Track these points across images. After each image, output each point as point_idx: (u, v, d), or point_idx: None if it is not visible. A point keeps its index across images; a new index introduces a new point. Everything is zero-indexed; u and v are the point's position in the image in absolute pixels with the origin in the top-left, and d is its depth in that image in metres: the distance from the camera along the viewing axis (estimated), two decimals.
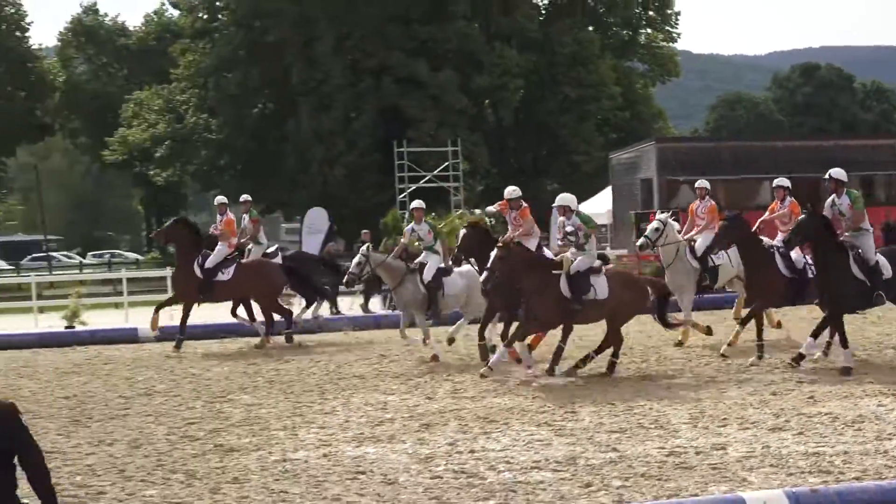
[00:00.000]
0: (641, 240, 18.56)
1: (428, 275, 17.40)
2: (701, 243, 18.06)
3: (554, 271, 14.29)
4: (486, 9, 50.26)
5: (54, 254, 66.78)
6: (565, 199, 14.85)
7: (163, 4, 65.63)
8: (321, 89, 50.05)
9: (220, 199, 21.58)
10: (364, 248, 18.56)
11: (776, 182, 18.18)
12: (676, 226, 18.41)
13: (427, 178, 42.16)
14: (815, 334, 14.45)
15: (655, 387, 14.04)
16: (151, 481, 10.33)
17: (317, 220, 38.46)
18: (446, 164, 42.34)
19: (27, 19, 60.40)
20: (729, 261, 17.72)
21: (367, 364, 17.33)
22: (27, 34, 60.53)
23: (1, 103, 56.89)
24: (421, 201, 19.12)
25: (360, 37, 50.12)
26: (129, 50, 65.47)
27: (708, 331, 17.87)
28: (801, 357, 14.38)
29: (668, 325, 15.52)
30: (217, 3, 54.93)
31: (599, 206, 39.00)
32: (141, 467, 10.91)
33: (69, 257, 69.56)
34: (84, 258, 66.35)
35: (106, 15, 68.17)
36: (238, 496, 9.61)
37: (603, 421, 11.47)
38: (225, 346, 21.13)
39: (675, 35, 58.83)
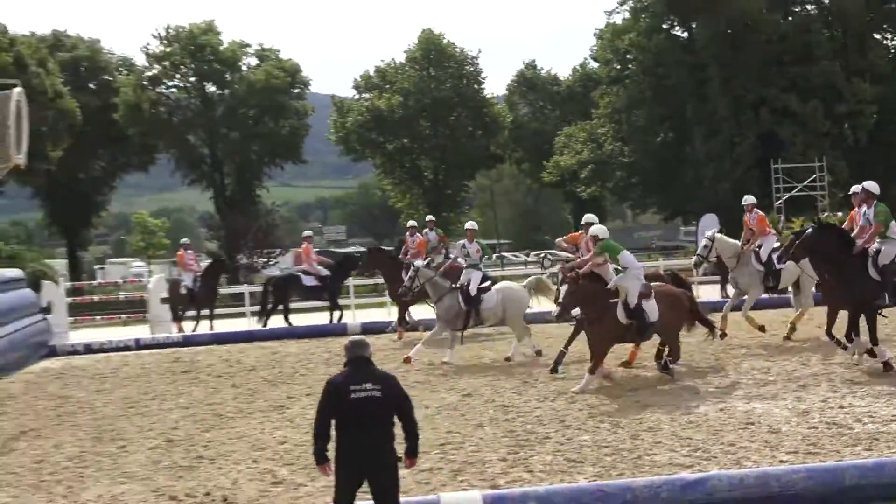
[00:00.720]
0: (694, 258, 19.65)
1: (473, 288, 17.70)
2: (765, 249, 18.83)
3: (611, 300, 14.23)
4: (845, 51, 53.66)
5: (506, 254, 74.50)
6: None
7: (585, 59, 71.74)
8: (711, 120, 54.45)
9: (411, 223, 24.62)
10: (417, 262, 19.60)
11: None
12: (726, 238, 19.50)
13: (798, 189, 45.75)
14: (850, 334, 14.49)
15: None
16: (585, 429, 11.76)
17: (709, 224, 41.26)
18: (813, 176, 45.75)
19: (482, 75, 66.30)
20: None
21: (751, 338, 18.79)
22: (482, 86, 66.58)
23: (464, 140, 63.86)
24: (474, 223, 19.55)
25: (743, 77, 53.84)
26: (560, 95, 72.03)
27: (762, 329, 18.23)
28: (872, 355, 14.27)
29: (708, 324, 15.47)
30: (627, 56, 60.40)
31: None
32: (576, 418, 12.40)
33: (516, 256, 74.34)
34: (528, 257, 72.23)
35: (542, 69, 74.89)
36: (653, 441, 11.02)
37: None
38: None
39: None
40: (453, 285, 17.87)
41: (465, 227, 18.80)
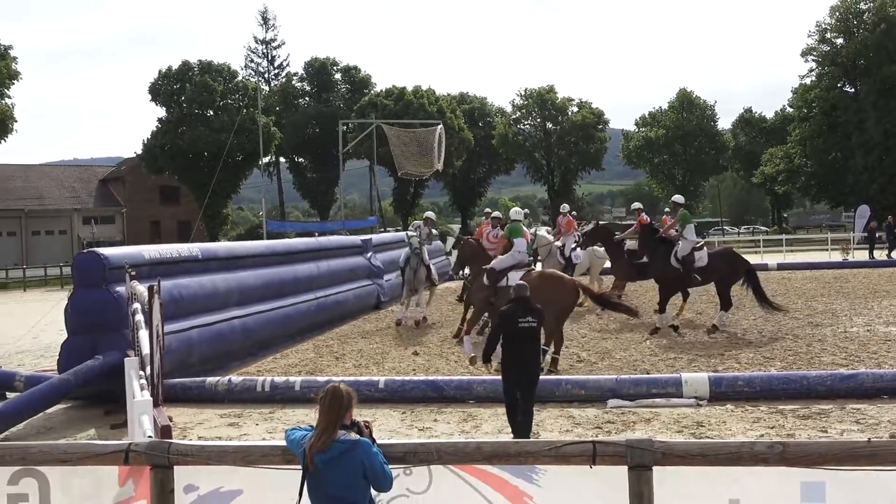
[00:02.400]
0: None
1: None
2: (567, 246, 18.93)
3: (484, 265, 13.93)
4: None
5: (725, 227, 78.84)
6: None
7: (784, 106, 74.35)
8: (868, 144, 57.97)
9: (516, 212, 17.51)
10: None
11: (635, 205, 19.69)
12: (545, 234, 19.50)
13: None
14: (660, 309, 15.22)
15: None
16: (775, 338, 13.56)
17: (863, 212, 46.93)
18: None
19: (716, 116, 73.61)
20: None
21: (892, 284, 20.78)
22: (716, 122, 74.27)
23: (702, 157, 72.70)
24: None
25: (892, 116, 56.25)
26: (766, 129, 75.78)
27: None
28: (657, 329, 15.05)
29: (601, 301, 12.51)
30: (812, 104, 63.41)
31: None
32: (770, 331, 14.77)
33: (733, 229, 78.27)
34: (739, 230, 75.61)
35: (756, 112, 78.47)
36: (821, 348, 12.72)
37: None
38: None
39: None
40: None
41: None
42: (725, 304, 15.35)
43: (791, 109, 71.26)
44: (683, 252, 15.20)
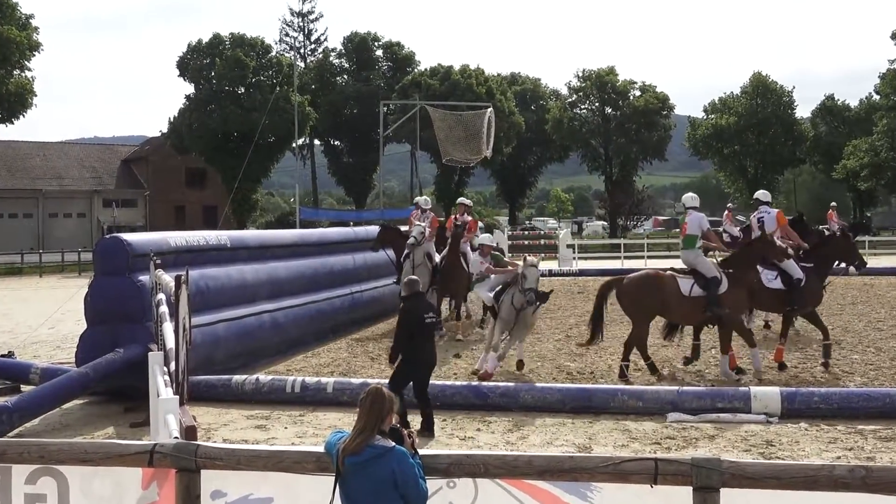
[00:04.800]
0: (411, 239, 17.28)
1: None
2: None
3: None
4: None
5: None
6: None
7: (870, 93, 72.97)
8: None
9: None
10: None
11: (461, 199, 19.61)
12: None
13: None
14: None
15: None
16: (855, 351, 14.00)
17: None
18: None
19: (794, 103, 72.17)
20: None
21: None
22: (793, 110, 72.67)
23: (777, 148, 71.11)
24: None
25: None
26: (850, 118, 74.54)
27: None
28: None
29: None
30: None
31: None
32: (850, 342, 15.97)
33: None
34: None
35: (839, 99, 77.16)
36: None
37: None
38: None
39: None
40: None
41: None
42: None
43: (878, 97, 70.88)
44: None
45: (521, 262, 12.71)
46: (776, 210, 14.46)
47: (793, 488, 4.11)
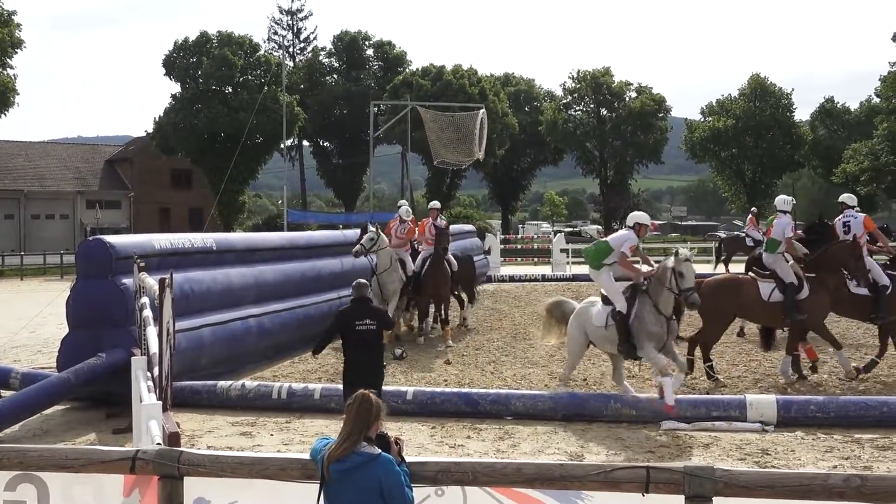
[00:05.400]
0: (357, 247, 16.56)
1: None
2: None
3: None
4: None
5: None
6: None
7: (870, 95, 72.28)
8: None
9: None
10: None
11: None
12: (385, 239, 16.92)
13: None
14: None
15: None
16: (854, 359, 13.33)
17: None
18: None
19: (793, 105, 71.69)
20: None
21: None
22: (792, 113, 72.42)
23: (776, 151, 71.27)
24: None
25: None
26: (850, 121, 74.35)
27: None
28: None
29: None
30: None
31: None
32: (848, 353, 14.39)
33: None
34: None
35: (838, 102, 77.08)
36: None
37: None
38: None
39: None
40: None
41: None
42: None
43: (878, 100, 70.37)
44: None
45: (670, 258, 10.71)
46: (863, 214, 14.09)
47: (787, 497, 4.12)
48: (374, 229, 16.80)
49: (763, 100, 74.61)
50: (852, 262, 12.52)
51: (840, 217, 13.83)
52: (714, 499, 4.14)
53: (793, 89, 75.86)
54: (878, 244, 14.02)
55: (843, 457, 9.10)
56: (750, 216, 23.84)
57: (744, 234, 24.30)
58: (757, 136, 73.80)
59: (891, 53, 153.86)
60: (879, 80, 68.13)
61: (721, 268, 25.04)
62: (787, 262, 12.74)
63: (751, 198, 72.44)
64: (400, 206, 18.50)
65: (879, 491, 4.04)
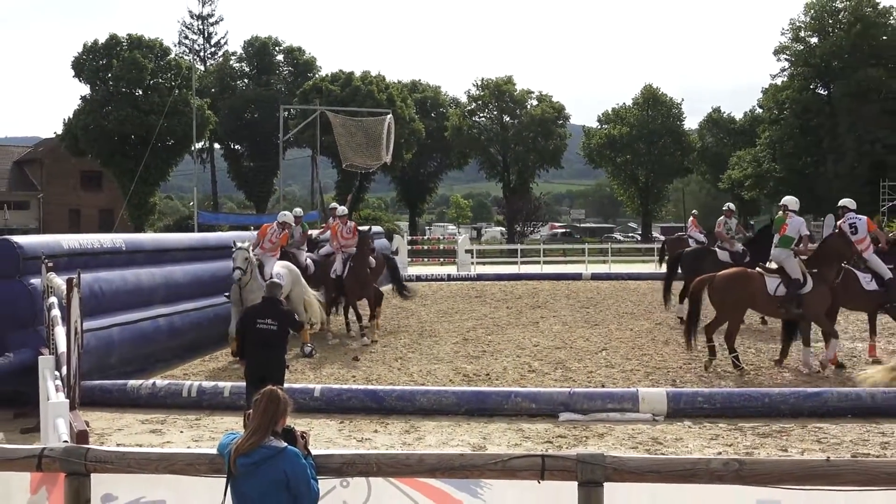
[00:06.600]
0: (236, 272, 14.36)
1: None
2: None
3: None
4: None
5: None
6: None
7: (753, 106, 74.91)
8: (839, 150, 58.58)
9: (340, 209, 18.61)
10: None
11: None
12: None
13: None
14: None
15: None
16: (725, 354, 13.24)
17: (830, 221, 37.02)
18: None
19: (683, 115, 74.35)
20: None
21: None
22: (682, 122, 74.94)
23: (667, 158, 73.12)
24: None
25: (864, 122, 57.02)
26: (735, 130, 76.83)
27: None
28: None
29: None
30: (784, 105, 63.48)
31: None
32: (722, 343, 13.33)
33: (701, 233, 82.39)
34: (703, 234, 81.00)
35: (724, 112, 79.89)
36: (784, 364, 13.14)
37: None
38: None
39: None
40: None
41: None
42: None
43: (761, 110, 72.82)
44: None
45: None
46: (865, 216, 14.70)
47: (672, 481, 4.24)
48: (242, 246, 14.77)
49: (655, 109, 76.73)
50: (847, 252, 13.17)
51: (843, 220, 14.32)
52: (607, 485, 4.23)
53: (682, 99, 79.69)
54: (880, 245, 14.51)
55: (727, 444, 9.33)
56: (691, 218, 24.14)
57: (686, 236, 24.68)
58: (650, 143, 75.53)
59: (772, 67, 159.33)
60: (762, 91, 71.29)
61: (665, 267, 25.46)
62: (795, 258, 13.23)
63: (644, 201, 73.81)
64: (295, 211, 18.57)
65: (756, 473, 4.18)
